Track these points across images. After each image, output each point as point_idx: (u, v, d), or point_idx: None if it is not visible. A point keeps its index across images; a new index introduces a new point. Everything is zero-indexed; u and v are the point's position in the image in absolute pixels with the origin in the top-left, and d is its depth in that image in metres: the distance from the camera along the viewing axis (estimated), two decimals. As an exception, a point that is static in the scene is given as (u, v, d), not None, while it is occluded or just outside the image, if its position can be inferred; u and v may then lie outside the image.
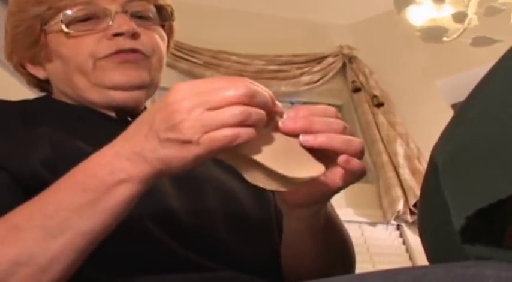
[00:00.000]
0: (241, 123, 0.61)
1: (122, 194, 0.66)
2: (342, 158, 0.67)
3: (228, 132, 0.61)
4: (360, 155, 0.69)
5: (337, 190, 0.75)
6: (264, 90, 0.66)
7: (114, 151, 0.67)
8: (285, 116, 0.68)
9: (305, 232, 0.83)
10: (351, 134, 0.70)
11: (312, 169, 0.66)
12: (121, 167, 0.65)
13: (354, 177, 0.70)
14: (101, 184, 0.66)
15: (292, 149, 0.67)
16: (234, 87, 0.62)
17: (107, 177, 0.66)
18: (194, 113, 0.61)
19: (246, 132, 0.62)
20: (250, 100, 0.62)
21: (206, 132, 0.61)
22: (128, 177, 0.65)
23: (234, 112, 0.61)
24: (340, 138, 0.67)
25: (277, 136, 0.67)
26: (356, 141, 0.68)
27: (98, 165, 0.67)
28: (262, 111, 0.63)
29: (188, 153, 0.62)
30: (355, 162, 0.68)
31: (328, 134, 0.67)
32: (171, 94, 0.63)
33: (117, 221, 0.68)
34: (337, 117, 0.70)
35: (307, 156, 0.67)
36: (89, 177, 0.67)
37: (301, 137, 0.66)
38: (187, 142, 0.61)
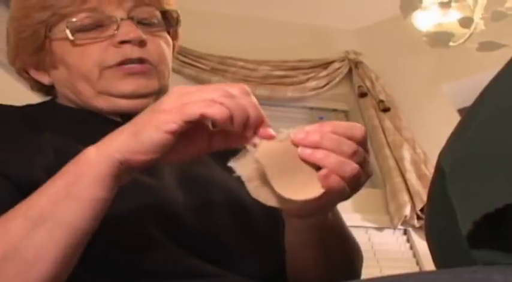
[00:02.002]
0: (218, 100, 0.63)
1: (91, 176, 0.66)
2: (321, 172, 0.66)
3: (201, 102, 0.63)
4: (351, 180, 0.67)
5: (328, 206, 0.76)
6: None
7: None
8: (308, 128, 0.68)
9: (303, 244, 0.83)
10: (363, 161, 0.69)
11: (312, 190, 0.66)
12: (93, 149, 0.68)
13: (332, 195, 0.68)
14: (75, 168, 0.68)
15: (300, 165, 0.67)
16: (226, 85, 0.65)
17: (80, 159, 0.68)
18: (178, 94, 0.65)
19: (219, 107, 0.63)
20: (240, 94, 0.65)
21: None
22: (96, 159, 0.66)
23: (214, 90, 0.64)
24: (334, 158, 0.66)
25: (291, 150, 0.67)
26: (350, 166, 0.67)
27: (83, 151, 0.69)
28: (245, 107, 0.65)
29: (157, 119, 0.64)
30: (333, 180, 0.66)
31: (326, 151, 0.66)
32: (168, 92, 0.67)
33: (94, 213, 0.68)
34: (362, 139, 0.69)
35: (313, 174, 0.67)
36: (71, 162, 0.69)
37: (300, 149, 0.67)
38: (164, 111, 0.64)
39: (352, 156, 0.68)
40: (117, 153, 0.66)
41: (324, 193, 0.66)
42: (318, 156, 0.66)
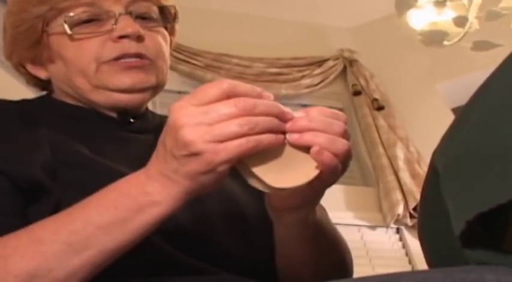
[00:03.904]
0: (251, 132, 0.63)
1: (153, 214, 0.67)
2: (314, 149, 0.66)
3: (250, 138, 0.63)
4: (343, 156, 0.68)
5: (319, 192, 0.75)
6: (267, 96, 0.67)
7: (145, 174, 0.68)
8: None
9: (294, 240, 0.83)
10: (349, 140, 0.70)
11: (303, 176, 0.67)
12: (153, 189, 0.67)
13: (327, 173, 0.68)
14: (134, 203, 0.67)
15: (293, 153, 0.67)
16: (232, 104, 0.63)
17: (140, 197, 0.67)
18: (200, 127, 0.62)
19: (267, 137, 0.64)
20: (251, 113, 0.64)
21: (221, 142, 0.62)
22: (161, 199, 0.67)
23: (240, 122, 0.63)
24: (324, 136, 0.67)
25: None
26: (342, 142, 0.68)
27: (132, 185, 0.69)
28: (269, 118, 0.64)
29: (208, 164, 0.63)
30: (327, 156, 0.66)
31: (314, 132, 0.67)
32: (171, 115, 0.65)
33: (139, 241, 0.69)
34: (345, 123, 0.70)
35: (308, 158, 0.67)
36: (122, 195, 0.68)
37: (288, 136, 0.67)
38: (201, 153, 0.63)
39: (343, 134, 0.68)
40: (186, 193, 0.67)
41: (319, 173, 0.67)
42: (307, 137, 0.66)
